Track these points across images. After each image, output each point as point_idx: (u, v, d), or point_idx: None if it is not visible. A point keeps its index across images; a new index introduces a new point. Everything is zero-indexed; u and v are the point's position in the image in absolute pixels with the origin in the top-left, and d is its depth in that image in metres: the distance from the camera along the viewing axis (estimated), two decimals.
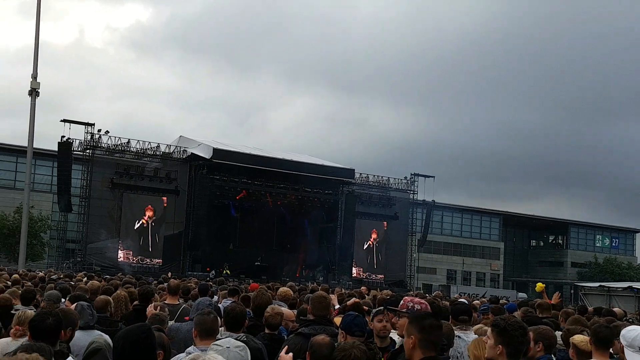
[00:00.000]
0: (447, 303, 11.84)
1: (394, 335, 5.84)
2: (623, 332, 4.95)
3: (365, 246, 50.25)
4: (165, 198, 42.93)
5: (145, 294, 8.59)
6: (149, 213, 42.25)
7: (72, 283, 13.24)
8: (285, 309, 7.64)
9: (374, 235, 50.74)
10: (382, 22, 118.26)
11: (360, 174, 50.61)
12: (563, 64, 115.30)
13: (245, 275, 40.41)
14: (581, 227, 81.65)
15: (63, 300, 8.42)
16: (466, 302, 11.22)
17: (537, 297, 16.45)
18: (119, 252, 41.33)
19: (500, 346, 3.98)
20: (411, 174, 53.55)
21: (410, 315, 4.59)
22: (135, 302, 8.38)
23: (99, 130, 41.23)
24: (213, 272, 40.40)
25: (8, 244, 45.95)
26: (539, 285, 15.56)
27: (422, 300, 5.41)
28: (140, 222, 42.07)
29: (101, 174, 41.18)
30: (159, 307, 7.44)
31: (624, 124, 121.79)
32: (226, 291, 11.24)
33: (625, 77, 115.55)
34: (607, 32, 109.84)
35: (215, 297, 11.42)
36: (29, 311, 6.14)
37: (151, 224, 42.38)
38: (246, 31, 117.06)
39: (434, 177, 54.05)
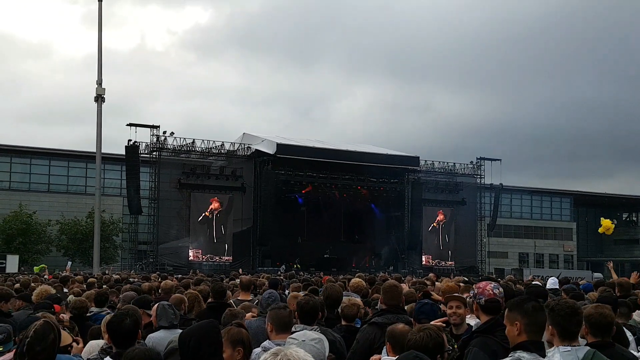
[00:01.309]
0: (521, 287, 11.41)
1: (472, 320, 5.68)
2: None
3: (430, 228, 49.47)
4: (232, 195, 43.24)
5: (219, 291, 8.58)
6: (214, 204, 42.56)
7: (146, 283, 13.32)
8: (358, 300, 7.51)
9: (440, 217, 49.95)
10: (441, 6, 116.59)
11: (426, 161, 49.96)
12: (631, 36, 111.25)
13: (315, 269, 40.43)
14: None
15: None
16: (540, 284, 10.79)
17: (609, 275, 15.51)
18: (190, 251, 41.91)
19: (550, 327, 4.03)
20: (477, 158, 52.58)
21: (510, 302, 4.26)
22: (210, 300, 8.34)
23: (164, 132, 41.86)
24: (283, 266, 40.58)
25: (82, 248, 47.31)
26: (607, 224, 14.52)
27: (493, 284, 5.09)
28: (203, 214, 42.36)
29: (168, 175, 41.79)
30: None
31: None
32: (300, 284, 11.14)
33: None
34: None
35: (287, 291, 11.24)
36: None
37: (216, 215, 42.65)
38: (304, 25, 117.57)
39: (500, 160, 52.99)
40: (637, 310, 7.33)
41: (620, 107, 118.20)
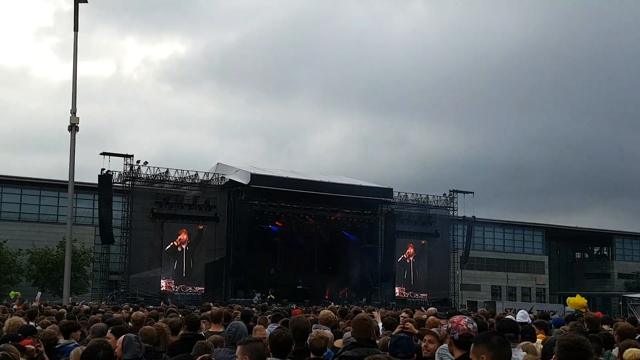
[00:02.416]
0: (493, 320, 11.48)
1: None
2: None
3: (400, 260, 49.53)
4: (200, 225, 42.99)
5: (193, 322, 8.57)
6: (182, 236, 42.32)
7: (116, 315, 13.21)
8: (328, 332, 7.47)
9: (410, 250, 50.15)
10: (414, 42, 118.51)
11: (399, 192, 50.22)
12: (603, 73, 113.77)
13: (288, 300, 40.29)
14: (627, 237, 80.00)
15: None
16: (513, 318, 10.94)
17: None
18: (162, 281, 41.50)
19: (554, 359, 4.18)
20: (450, 191, 53.00)
21: (475, 337, 4.46)
22: (183, 331, 8.30)
23: (138, 162, 41.70)
24: (257, 295, 40.37)
25: (52, 278, 46.53)
26: (577, 300, 14.44)
27: (467, 319, 5.23)
28: (171, 244, 42.03)
29: (141, 205, 41.52)
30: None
31: None
32: (270, 316, 11.13)
33: None
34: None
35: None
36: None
37: (186, 247, 42.40)
38: (280, 58, 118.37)
39: (473, 192, 53.55)
40: (609, 349, 7.42)
41: (593, 142, 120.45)
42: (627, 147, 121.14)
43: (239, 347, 5.16)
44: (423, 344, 6.06)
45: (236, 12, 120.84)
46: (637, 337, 7.71)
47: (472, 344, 4.24)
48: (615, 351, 7.20)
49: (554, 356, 4.38)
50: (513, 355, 5.69)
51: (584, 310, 14.19)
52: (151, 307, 21.55)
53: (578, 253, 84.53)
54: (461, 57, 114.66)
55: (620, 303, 51.26)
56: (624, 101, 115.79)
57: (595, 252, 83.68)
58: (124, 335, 6.29)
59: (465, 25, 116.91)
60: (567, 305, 53.03)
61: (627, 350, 5.48)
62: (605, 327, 9.47)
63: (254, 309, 18.17)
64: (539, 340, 7.77)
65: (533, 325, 9.30)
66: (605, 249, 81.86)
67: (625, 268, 77.51)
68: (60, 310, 14.58)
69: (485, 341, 4.12)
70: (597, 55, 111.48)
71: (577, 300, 14.59)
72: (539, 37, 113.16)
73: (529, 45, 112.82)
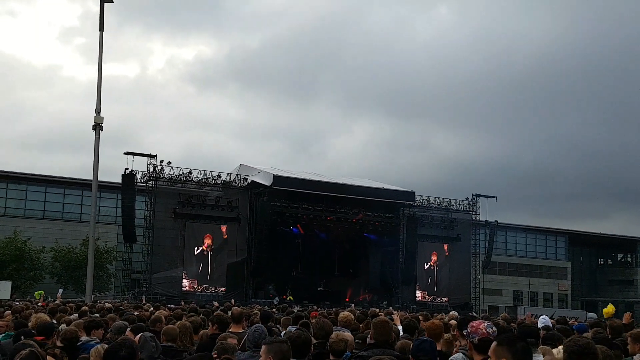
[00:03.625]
0: (514, 325, 11.37)
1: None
2: None
3: (426, 267, 49.46)
4: (226, 226, 43.17)
5: (224, 321, 8.58)
6: (207, 241, 42.55)
7: (137, 314, 13.28)
8: (347, 334, 7.42)
9: (434, 257, 49.94)
10: (439, 48, 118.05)
11: (421, 196, 49.97)
12: (629, 79, 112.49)
13: (309, 301, 40.24)
14: None
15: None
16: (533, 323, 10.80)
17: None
18: (184, 281, 41.67)
19: None
20: (473, 195, 52.57)
21: (499, 337, 4.36)
22: (214, 330, 8.34)
23: (161, 162, 41.91)
24: (277, 298, 40.40)
25: (75, 276, 47.01)
26: (609, 309, 14.62)
27: (487, 324, 5.24)
28: (200, 249, 42.38)
29: (164, 205, 41.70)
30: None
31: None
32: (290, 317, 11.11)
33: None
34: None
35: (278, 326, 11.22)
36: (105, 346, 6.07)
37: (210, 252, 42.63)
38: (303, 61, 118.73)
39: (496, 197, 52.93)
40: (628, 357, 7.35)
41: (617, 148, 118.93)
42: None
43: (263, 347, 5.20)
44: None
45: (261, 15, 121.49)
46: None
47: (495, 343, 4.14)
48: (637, 357, 7.11)
49: None
50: None
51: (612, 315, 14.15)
52: (172, 306, 21.61)
53: (601, 259, 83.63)
54: (485, 61, 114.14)
55: None
56: None
57: (619, 259, 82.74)
58: (140, 335, 6.34)
59: (489, 29, 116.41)
60: (589, 312, 52.77)
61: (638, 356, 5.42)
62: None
63: (274, 309, 18.16)
64: (560, 347, 7.65)
65: (557, 332, 9.19)
66: (629, 256, 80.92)
67: None
68: (82, 308, 14.66)
69: (510, 344, 4.01)
70: (623, 60, 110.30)
71: (609, 311, 14.63)
72: (563, 42, 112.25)
73: (554, 50, 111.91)
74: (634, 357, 7.16)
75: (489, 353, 4.12)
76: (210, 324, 8.55)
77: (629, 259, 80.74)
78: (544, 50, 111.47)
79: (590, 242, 77.91)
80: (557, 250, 73.57)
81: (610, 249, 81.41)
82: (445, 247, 50.37)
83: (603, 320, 17.91)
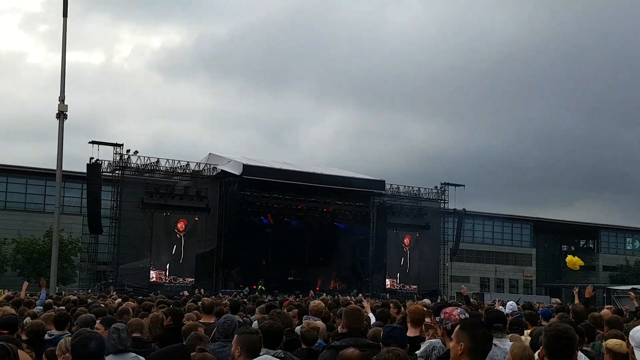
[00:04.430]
0: (482, 311, 11.58)
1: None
2: (631, 333, 4.92)
3: (396, 255, 49.64)
4: (196, 216, 42.66)
5: (177, 313, 8.54)
6: (176, 231, 42.02)
7: (103, 305, 13.06)
8: (319, 322, 7.59)
9: (403, 246, 50.19)
10: (410, 37, 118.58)
11: (391, 185, 50.22)
12: (593, 69, 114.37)
13: (279, 291, 40.08)
14: (611, 231, 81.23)
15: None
16: (502, 309, 11.03)
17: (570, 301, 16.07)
18: (151, 272, 41.13)
19: (542, 348, 4.35)
20: (441, 184, 53.08)
21: (463, 321, 4.51)
22: (168, 322, 8.21)
23: (128, 151, 41.20)
24: (247, 288, 40.10)
25: (38, 268, 45.94)
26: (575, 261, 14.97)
27: (459, 310, 5.41)
28: (168, 239, 41.78)
29: (131, 195, 41.04)
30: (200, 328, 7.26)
31: None
32: (262, 307, 11.06)
33: None
34: (635, 38, 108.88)
35: (255, 316, 11.07)
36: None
37: (179, 242, 42.10)
38: (275, 50, 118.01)
39: (463, 185, 53.75)
40: (595, 342, 7.50)
41: (581, 137, 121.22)
42: (614, 142, 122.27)
43: (235, 336, 5.28)
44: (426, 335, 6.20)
45: (231, 4, 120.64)
46: (625, 328, 7.71)
47: (458, 327, 4.22)
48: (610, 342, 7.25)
49: (541, 346, 4.42)
50: (501, 346, 5.82)
51: (577, 268, 14.64)
52: (140, 297, 21.24)
53: (565, 246, 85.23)
54: (455, 51, 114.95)
55: (605, 295, 51.75)
56: (613, 97, 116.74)
57: (581, 245, 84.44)
58: (112, 326, 6.20)
59: (459, 20, 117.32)
60: (552, 298, 53.71)
61: (610, 340, 5.52)
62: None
63: (245, 299, 18.06)
64: (527, 332, 7.85)
65: (523, 317, 9.41)
66: (591, 242, 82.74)
67: (610, 261, 78.52)
68: (47, 301, 14.24)
69: (470, 330, 4.09)
70: (587, 51, 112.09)
71: (575, 261, 15.03)
72: (531, 32, 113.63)
73: (523, 40, 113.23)
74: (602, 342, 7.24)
75: (452, 336, 4.20)
76: (165, 316, 8.37)
77: (591, 246, 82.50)
78: (512, 40, 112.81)
79: (554, 229, 79.42)
80: (522, 237, 74.82)
81: (573, 236, 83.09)
82: (415, 235, 50.69)
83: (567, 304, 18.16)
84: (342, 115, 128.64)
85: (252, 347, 5.10)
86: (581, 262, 15.06)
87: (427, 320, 7.17)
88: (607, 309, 12.44)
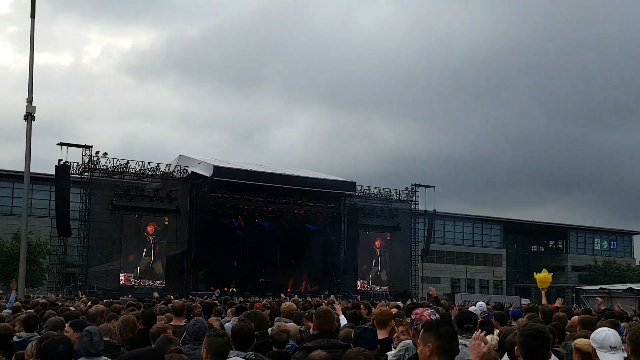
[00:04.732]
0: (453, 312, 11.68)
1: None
2: (592, 334, 4.98)
3: (367, 256, 49.89)
4: (166, 218, 42.44)
5: (149, 316, 8.45)
6: (150, 228, 41.77)
7: (73, 308, 12.94)
8: (290, 324, 7.58)
9: (374, 247, 50.46)
10: (380, 39, 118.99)
11: (362, 186, 50.41)
12: (558, 71, 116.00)
13: (251, 292, 40.00)
14: (580, 231, 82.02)
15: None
16: (472, 310, 11.18)
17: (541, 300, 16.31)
18: (121, 274, 40.81)
19: (517, 348, 4.41)
20: (412, 185, 53.39)
21: (425, 323, 4.57)
22: (140, 325, 8.14)
23: (97, 153, 40.87)
24: (217, 290, 39.97)
25: (6, 270, 45.24)
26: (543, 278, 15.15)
27: (430, 311, 5.49)
28: (143, 238, 41.49)
29: (100, 197, 40.72)
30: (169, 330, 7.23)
31: (620, 129, 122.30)
32: (232, 309, 11.07)
33: (622, 83, 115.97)
34: (603, 40, 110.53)
35: (227, 318, 11.10)
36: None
37: (153, 241, 41.87)
38: (246, 52, 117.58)
39: (434, 187, 54.02)
40: (566, 341, 7.57)
41: (550, 138, 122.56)
42: (583, 144, 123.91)
43: (204, 339, 5.32)
44: (395, 335, 6.23)
45: (201, 5, 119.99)
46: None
47: (422, 330, 4.26)
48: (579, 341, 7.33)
49: (516, 347, 4.49)
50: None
51: (547, 286, 14.75)
52: (109, 300, 21.08)
53: (534, 246, 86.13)
54: (425, 53, 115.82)
55: (574, 295, 52.49)
56: (581, 99, 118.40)
57: (550, 246, 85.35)
58: (85, 329, 6.12)
59: (428, 21, 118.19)
60: (522, 298, 54.35)
61: (578, 340, 5.61)
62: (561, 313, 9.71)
63: (216, 301, 18.02)
64: (497, 331, 7.91)
65: (491, 319, 9.46)
66: (560, 243, 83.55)
67: (578, 261, 79.35)
68: (14, 304, 14.09)
69: (435, 330, 4.13)
70: (556, 53, 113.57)
71: (543, 278, 15.15)
72: (500, 34, 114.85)
73: (491, 42, 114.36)
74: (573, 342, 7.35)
75: (418, 340, 4.25)
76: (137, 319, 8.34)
77: (560, 246, 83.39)
78: (482, 41, 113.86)
79: (524, 230, 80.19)
80: (492, 238, 75.33)
81: (543, 237, 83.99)
82: (386, 236, 50.94)
83: (538, 305, 18.43)
84: (312, 116, 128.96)
85: (219, 350, 5.09)
86: (550, 279, 15.23)
87: (401, 328, 7.22)
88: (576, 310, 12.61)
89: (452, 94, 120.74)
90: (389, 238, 51.00)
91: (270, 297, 31.65)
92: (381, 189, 51.99)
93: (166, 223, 42.23)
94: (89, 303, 15.30)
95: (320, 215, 47.45)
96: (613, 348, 4.74)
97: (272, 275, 45.77)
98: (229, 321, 9.54)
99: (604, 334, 4.88)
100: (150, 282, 41.37)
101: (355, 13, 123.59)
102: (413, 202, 53.14)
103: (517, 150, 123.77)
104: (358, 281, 49.11)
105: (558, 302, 12.41)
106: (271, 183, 44.23)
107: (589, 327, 7.52)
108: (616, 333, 4.88)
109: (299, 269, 48.21)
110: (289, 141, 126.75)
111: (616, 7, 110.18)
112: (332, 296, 32.02)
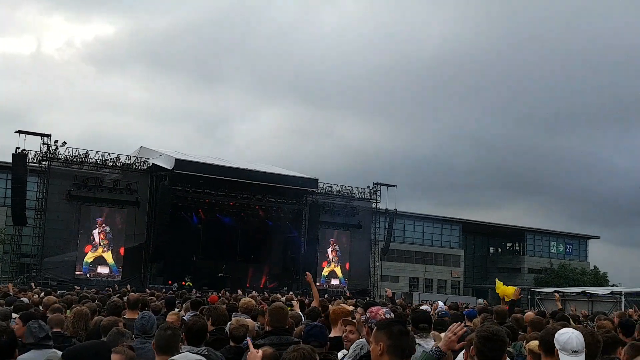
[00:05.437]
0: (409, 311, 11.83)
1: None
2: (556, 335, 4.94)
3: (327, 253, 50.03)
4: (125, 210, 41.93)
5: (115, 308, 8.44)
6: (104, 224, 41.25)
7: (25, 299, 12.72)
8: (248, 320, 7.58)
9: (335, 244, 50.59)
10: (345, 38, 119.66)
11: (324, 183, 50.50)
12: (522, 78, 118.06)
13: (208, 287, 39.73)
14: (537, 234, 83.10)
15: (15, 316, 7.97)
16: (428, 309, 11.33)
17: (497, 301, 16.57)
18: (77, 265, 40.19)
19: (472, 348, 4.41)
20: (374, 184, 53.66)
21: (377, 322, 4.61)
22: (96, 317, 8.11)
23: (56, 142, 40.13)
24: (175, 284, 39.63)
25: None
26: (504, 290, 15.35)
27: (385, 310, 5.47)
28: (96, 232, 40.97)
29: (58, 186, 40.02)
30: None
31: (578, 135, 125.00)
32: (188, 303, 11.01)
33: (580, 92, 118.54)
34: (564, 50, 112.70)
35: (182, 312, 11.03)
36: None
37: (108, 235, 41.35)
38: (211, 46, 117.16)
39: (395, 186, 54.41)
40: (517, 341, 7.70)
41: (509, 141, 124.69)
42: (541, 147, 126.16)
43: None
44: (344, 335, 6.14)
45: None
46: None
47: (375, 329, 4.28)
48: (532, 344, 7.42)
49: (472, 347, 4.49)
50: (425, 345, 5.95)
51: (508, 299, 14.89)
52: (63, 291, 20.78)
53: (492, 248, 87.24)
54: (389, 53, 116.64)
55: (529, 297, 53.27)
56: (540, 104, 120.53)
57: (508, 247, 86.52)
58: (31, 321, 6.09)
59: (393, 23, 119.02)
60: (479, 298, 55.08)
61: (532, 342, 5.69)
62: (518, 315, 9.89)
63: (173, 295, 17.89)
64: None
65: (445, 318, 9.60)
66: (517, 245, 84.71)
67: (534, 263, 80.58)
68: None
69: (386, 328, 4.15)
70: (516, 59, 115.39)
71: (506, 290, 15.30)
72: (465, 38, 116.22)
73: (454, 45, 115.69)
74: (524, 343, 7.44)
75: (371, 339, 4.26)
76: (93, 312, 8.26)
77: (517, 248, 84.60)
78: (445, 44, 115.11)
79: (482, 231, 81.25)
80: (451, 238, 76.04)
81: (501, 238, 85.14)
82: (347, 234, 51.12)
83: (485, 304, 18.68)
84: (277, 112, 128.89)
85: (164, 343, 5.05)
86: (511, 291, 15.35)
87: (349, 327, 7.23)
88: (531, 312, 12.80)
89: (416, 94, 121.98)
90: (349, 236, 51.20)
91: (227, 292, 31.47)
92: (343, 187, 52.18)
93: (125, 213, 41.71)
94: (42, 294, 15.05)
95: (281, 212, 47.35)
96: (575, 352, 4.70)
97: (232, 270, 45.55)
98: (184, 316, 9.50)
99: (567, 336, 4.82)
100: (106, 272, 40.87)
101: (321, 11, 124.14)
102: (374, 201, 53.42)
103: (478, 152, 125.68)
104: (317, 278, 49.19)
105: (515, 293, 12.64)
106: (233, 178, 43.96)
107: (538, 328, 7.62)
108: (580, 336, 4.82)
109: (259, 264, 48.11)
110: (253, 136, 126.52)
111: (577, 22, 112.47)
112: (290, 292, 32.00)
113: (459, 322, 4.78)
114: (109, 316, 7.93)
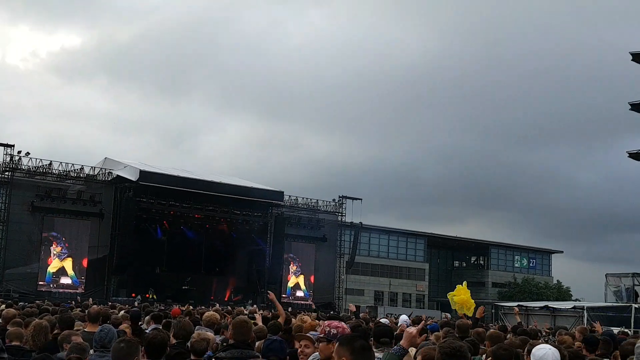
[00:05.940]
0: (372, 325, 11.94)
1: None
2: (533, 351, 5.03)
3: (292, 267, 50.10)
4: (88, 221, 41.55)
5: (66, 321, 8.31)
6: (67, 236, 40.84)
7: None
8: (210, 334, 7.54)
9: (300, 257, 50.68)
10: (311, 51, 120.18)
11: (290, 196, 50.56)
12: (489, 92, 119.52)
13: (173, 300, 39.55)
14: (501, 248, 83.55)
15: None
16: (387, 322, 11.44)
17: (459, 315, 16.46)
18: (39, 277, 39.66)
19: None
20: (339, 197, 53.90)
21: (340, 337, 4.64)
22: (56, 331, 8.02)
23: (19, 152, 39.74)
24: (139, 297, 39.34)
25: None
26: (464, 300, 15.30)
27: (340, 324, 5.48)
28: (59, 244, 40.51)
29: (21, 197, 39.55)
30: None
31: (543, 150, 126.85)
32: (149, 317, 10.96)
33: (543, 107, 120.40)
34: (527, 70, 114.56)
35: (144, 325, 11.07)
36: None
37: (71, 248, 40.93)
38: (177, 57, 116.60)
39: (361, 199, 54.64)
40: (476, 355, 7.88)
41: (474, 156, 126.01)
42: (506, 162, 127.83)
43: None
44: (299, 350, 6.08)
45: (134, 9, 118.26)
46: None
47: (337, 344, 4.35)
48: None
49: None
50: None
51: (468, 313, 14.92)
52: (23, 304, 20.57)
53: (457, 261, 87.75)
54: (356, 68, 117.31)
55: (493, 311, 53.88)
56: (506, 118, 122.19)
57: (472, 261, 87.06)
58: None
59: (361, 37, 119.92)
60: (443, 312, 55.59)
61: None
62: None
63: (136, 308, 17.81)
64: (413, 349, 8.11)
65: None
66: (481, 259, 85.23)
67: (498, 277, 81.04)
68: None
69: (349, 344, 4.21)
70: (488, 70, 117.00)
71: (466, 302, 15.25)
72: (430, 51, 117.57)
73: (421, 59, 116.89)
74: (483, 357, 7.67)
75: (333, 354, 4.34)
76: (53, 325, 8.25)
77: (482, 262, 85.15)
78: (412, 57, 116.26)
79: (447, 245, 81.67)
80: (416, 252, 76.17)
81: (465, 252, 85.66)
82: (312, 247, 51.23)
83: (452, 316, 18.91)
84: (243, 125, 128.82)
85: (117, 356, 5.09)
86: (472, 302, 15.45)
87: (303, 342, 7.29)
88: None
89: (383, 108, 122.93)
90: (315, 249, 51.32)
91: (191, 306, 31.39)
92: (309, 200, 52.34)
93: (88, 225, 41.33)
94: (2, 307, 14.90)
95: (246, 224, 47.27)
96: None
97: (196, 283, 45.28)
98: (147, 329, 9.51)
99: (544, 352, 4.86)
100: (69, 283, 40.40)
101: (288, 25, 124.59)
102: (340, 214, 53.61)
103: (443, 166, 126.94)
104: (283, 290, 49.17)
105: (479, 312, 12.64)
106: (198, 190, 43.87)
107: (497, 342, 7.62)
108: (556, 352, 4.84)
109: (224, 277, 47.92)
110: (219, 148, 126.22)
111: (544, 41, 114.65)
112: (254, 306, 32.08)
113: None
114: (64, 330, 7.99)
